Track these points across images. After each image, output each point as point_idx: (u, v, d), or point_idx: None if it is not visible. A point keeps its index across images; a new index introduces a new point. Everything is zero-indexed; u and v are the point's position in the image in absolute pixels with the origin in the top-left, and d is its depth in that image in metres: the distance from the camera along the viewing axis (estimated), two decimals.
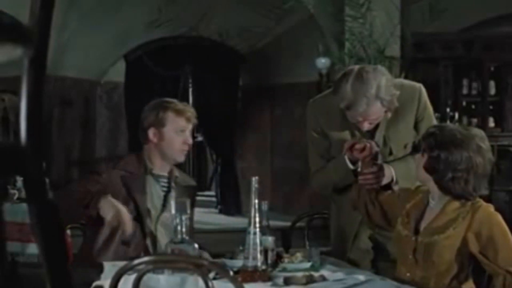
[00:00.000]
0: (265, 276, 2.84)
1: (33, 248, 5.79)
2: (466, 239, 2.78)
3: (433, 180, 2.85)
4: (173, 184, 3.43)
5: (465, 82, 8.18)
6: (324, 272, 2.93)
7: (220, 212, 10.73)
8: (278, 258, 3.08)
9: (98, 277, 2.81)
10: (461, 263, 2.83)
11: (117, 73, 10.02)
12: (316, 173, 3.50)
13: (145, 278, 2.32)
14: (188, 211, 2.69)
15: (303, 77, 9.29)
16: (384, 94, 3.12)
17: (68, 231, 4.05)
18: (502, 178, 7.76)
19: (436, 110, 7.74)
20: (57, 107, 9.26)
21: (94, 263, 3.05)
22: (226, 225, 9.35)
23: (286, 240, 3.81)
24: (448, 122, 6.88)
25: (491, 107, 8.20)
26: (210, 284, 2.26)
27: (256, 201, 2.86)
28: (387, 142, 3.33)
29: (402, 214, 3.00)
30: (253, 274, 2.82)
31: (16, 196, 6.01)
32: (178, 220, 2.61)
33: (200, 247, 2.89)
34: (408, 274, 2.88)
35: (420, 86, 3.39)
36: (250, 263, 2.83)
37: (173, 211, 2.69)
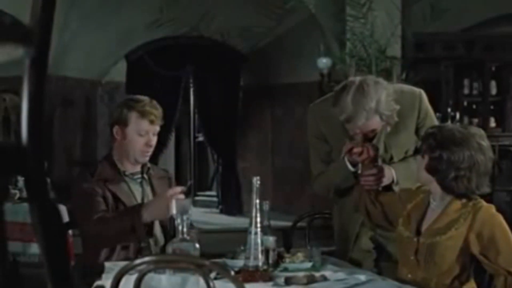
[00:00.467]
0: (266, 276, 2.84)
1: (34, 248, 5.80)
2: (468, 240, 2.78)
3: (436, 180, 2.85)
4: (145, 176, 3.46)
5: (466, 82, 8.17)
6: (325, 272, 2.93)
7: (221, 212, 10.73)
8: (279, 258, 3.08)
9: (99, 277, 2.81)
10: (463, 263, 2.82)
11: (119, 73, 10.02)
12: (318, 176, 3.51)
13: (146, 278, 2.32)
14: (190, 211, 2.70)
15: (304, 77, 9.29)
16: (383, 109, 3.11)
17: (70, 231, 4.05)
18: (503, 178, 7.75)
19: (437, 110, 7.75)
20: (59, 107, 9.26)
21: (96, 263, 3.06)
22: (227, 225, 9.35)
23: (287, 240, 3.81)
24: (449, 122, 6.87)
25: (492, 107, 8.19)
26: (211, 284, 2.26)
27: (257, 201, 2.86)
28: (388, 149, 3.33)
29: (403, 214, 3.00)
30: (254, 274, 2.82)
31: (18, 196, 6.02)
32: (179, 220, 2.61)
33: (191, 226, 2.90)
34: (409, 275, 2.88)
35: (420, 91, 3.37)
36: (251, 263, 2.83)
37: (174, 211, 2.69)
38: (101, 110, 10.20)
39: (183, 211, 2.62)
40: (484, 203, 2.85)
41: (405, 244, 2.94)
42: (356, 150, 3.16)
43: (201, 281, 2.31)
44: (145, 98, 3.43)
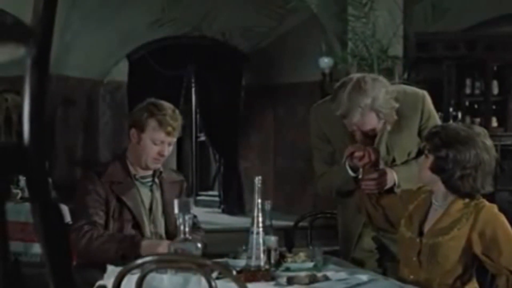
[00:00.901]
0: (268, 276, 2.84)
1: (36, 248, 5.80)
2: (470, 240, 2.78)
3: (441, 180, 2.84)
4: (156, 180, 3.43)
5: (468, 81, 8.17)
6: (327, 272, 2.93)
7: (223, 211, 10.73)
8: (281, 257, 3.08)
9: (101, 277, 2.81)
10: (465, 263, 2.82)
11: (120, 72, 10.02)
12: (320, 177, 3.51)
13: (148, 277, 2.32)
14: (192, 211, 2.69)
15: (306, 76, 9.29)
16: (380, 106, 3.11)
17: (71, 229, 4.04)
18: (505, 178, 7.74)
19: (439, 109, 7.72)
20: (60, 106, 9.26)
21: (97, 263, 3.05)
22: (229, 225, 9.34)
23: (289, 240, 3.81)
24: (451, 121, 6.87)
25: (494, 107, 8.18)
26: (213, 283, 2.25)
27: (259, 200, 2.86)
28: (390, 151, 3.32)
29: (405, 215, 2.99)
30: (256, 274, 2.82)
31: (19, 195, 6.02)
32: (181, 220, 2.61)
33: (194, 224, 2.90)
34: (411, 277, 2.88)
35: (423, 93, 3.36)
36: (253, 262, 2.83)
37: (176, 210, 2.69)
38: (103, 110, 10.20)
39: (185, 211, 2.62)
40: (486, 202, 2.85)
41: (407, 245, 2.93)
42: (357, 154, 3.16)
43: (203, 281, 2.31)
44: (169, 107, 3.35)
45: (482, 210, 2.80)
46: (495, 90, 8.16)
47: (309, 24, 8.30)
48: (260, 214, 2.86)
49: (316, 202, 8.14)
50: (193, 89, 10.96)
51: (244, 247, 2.97)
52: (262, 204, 2.88)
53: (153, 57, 9.93)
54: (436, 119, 3.39)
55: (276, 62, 10.19)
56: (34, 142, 0.89)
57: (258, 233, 2.84)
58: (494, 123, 8.12)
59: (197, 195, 11.62)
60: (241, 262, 2.93)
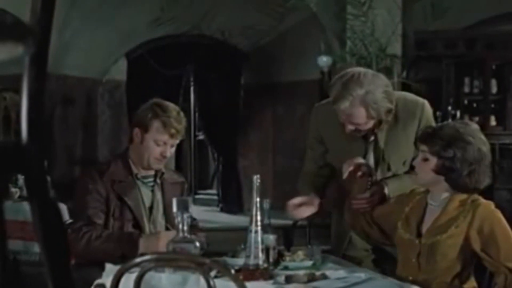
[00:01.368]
0: (266, 275, 2.84)
1: (35, 247, 5.80)
2: (469, 237, 2.78)
3: (447, 179, 2.84)
4: (157, 181, 3.43)
5: (467, 80, 8.17)
6: (326, 270, 2.93)
7: (222, 210, 10.73)
8: (280, 256, 3.08)
9: (99, 275, 2.81)
10: (464, 261, 2.82)
11: (119, 71, 10.02)
12: (304, 176, 3.59)
13: (146, 276, 2.31)
14: (190, 209, 2.69)
15: (305, 75, 9.29)
16: (372, 102, 3.10)
17: (70, 230, 4.04)
18: (504, 177, 7.75)
19: (437, 108, 7.76)
20: (59, 105, 9.26)
21: (96, 261, 3.05)
22: (227, 224, 9.34)
23: (287, 239, 3.81)
24: (449, 120, 6.87)
25: (492, 105, 8.19)
26: (211, 282, 2.25)
27: (258, 199, 2.86)
28: (386, 158, 3.31)
29: (401, 218, 2.99)
30: (254, 273, 2.82)
31: (18, 194, 6.02)
32: (179, 218, 2.61)
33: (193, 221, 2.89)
34: (410, 278, 2.87)
35: (423, 102, 3.33)
36: (252, 261, 2.83)
37: (175, 209, 2.69)
38: (102, 109, 10.20)
39: (183, 209, 2.62)
40: (482, 200, 2.85)
41: (406, 246, 2.93)
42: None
43: (202, 279, 2.30)
44: (174, 108, 3.34)
45: (479, 208, 2.80)
46: (494, 89, 8.17)
47: (308, 23, 8.30)
48: (258, 213, 2.86)
49: None
50: (192, 88, 10.96)
51: (242, 246, 2.97)
52: (261, 202, 2.88)
53: (152, 56, 9.93)
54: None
55: (276, 61, 10.19)
56: (32, 141, 0.89)
57: (256, 231, 2.84)
58: (493, 122, 8.12)
59: (196, 193, 11.63)
60: (239, 261, 2.93)
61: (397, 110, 3.22)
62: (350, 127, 3.19)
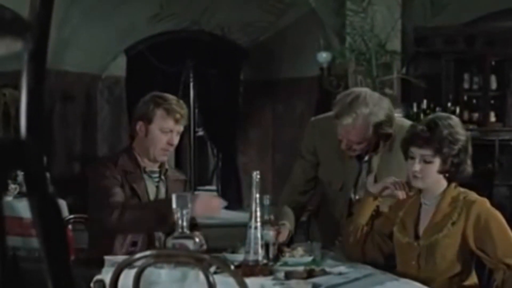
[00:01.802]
0: (266, 270, 2.84)
1: (34, 243, 5.80)
2: (466, 235, 2.79)
3: (452, 175, 2.85)
4: (162, 177, 3.45)
5: (466, 76, 8.17)
6: (325, 266, 2.94)
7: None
8: (279, 252, 3.08)
9: (99, 271, 2.81)
10: (463, 260, 2.83)
11: (119, 67, 10.01)
12: (288, 185, 3.64)
13: (146, 272, 2.32)
14: (189, 205, 2.69)
15: (305, 71, 9.28)
16: (373, 122, 3.15)
17: (69, 226, 4.05)
18: (503, 173, 7.75)
19: (437, 104, 7.74)
20: (59, 102, 9.25)
21: (95, 258, 3.05)
22: (227, 220, 9.33)
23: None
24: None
25: (492, 101, 8.19)
26: (211, 278, 2.26)
27: (257, 195, 2.87)
28: (378, 180, 3.29)
29: (396, 222, 2.99)
30: (254, 268, 2.82)
31: (17, 190, 6.02)
32: (179, 214, 2.61)
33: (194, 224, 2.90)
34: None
35: None
36: (251, 257, 2.83)
37: (174, 205, 2.69)
38: (101, 105, 10.19)
39: (183, 205, 2.62)
40: (477, 196, 2.86)
41: (405, 249, 2.93)
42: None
43: (201, 275, 2.31)
44: (172, 97, 3.41)
45: (473, 205, 2.81)
46: (494, 85, 8.17)
47: (307, 19, 8.29)
48: (258, 209, 2.86)
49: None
50: (191, 84, 10.94)
51: (242, 242, 2.98)
52: (261, 198, 2.88)
53: (151, 52, 9.91)
54: None
55: (275, 57, 10.18)
56: (32, 137, 0.89)
57: (256, 227, 2.85)
58: (492, 118, 8.12)
59: (195, 189, 11.62)
60: (239, 257, 2.93)
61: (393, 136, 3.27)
62: (347, 144, 3.23)
